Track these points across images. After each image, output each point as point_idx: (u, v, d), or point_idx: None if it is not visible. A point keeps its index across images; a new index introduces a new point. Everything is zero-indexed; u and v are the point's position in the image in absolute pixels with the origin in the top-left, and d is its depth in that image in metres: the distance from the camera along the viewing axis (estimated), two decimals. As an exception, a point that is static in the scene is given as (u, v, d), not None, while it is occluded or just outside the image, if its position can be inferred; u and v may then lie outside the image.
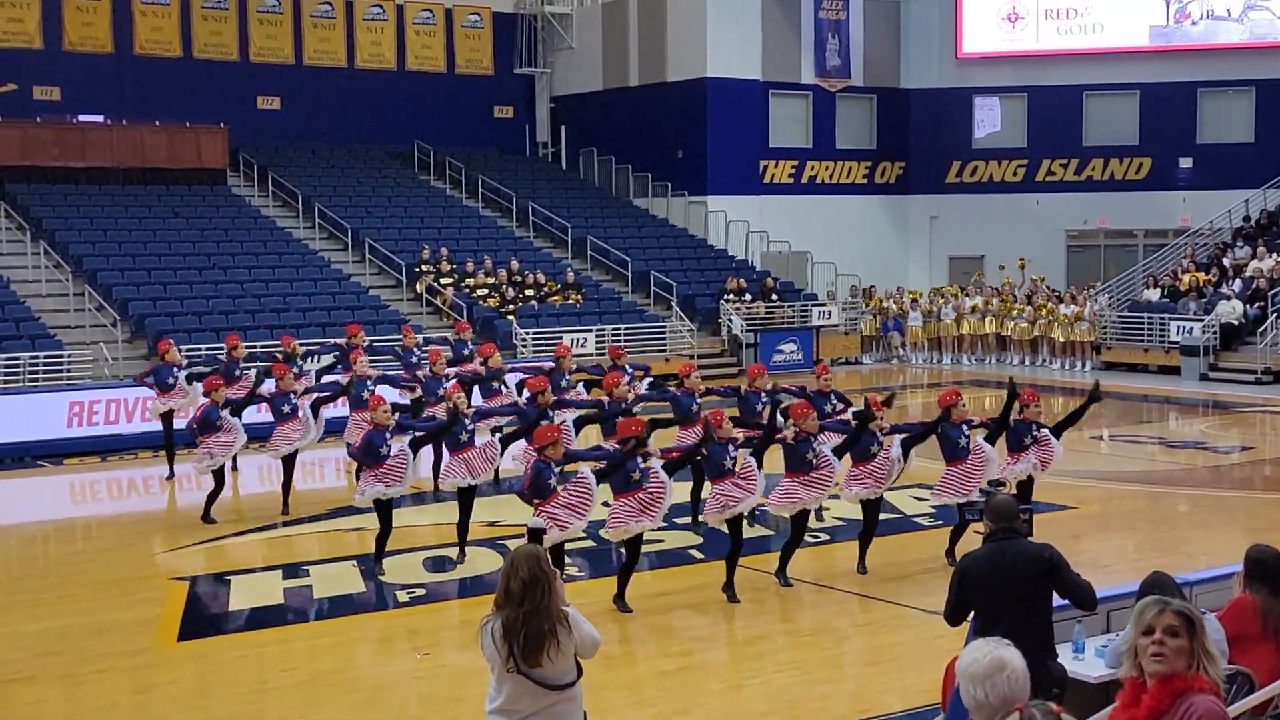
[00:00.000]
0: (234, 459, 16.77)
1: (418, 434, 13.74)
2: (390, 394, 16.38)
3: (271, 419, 16.19)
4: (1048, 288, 32.27)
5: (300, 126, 34.61)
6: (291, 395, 16.00)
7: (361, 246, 30.28)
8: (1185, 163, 34.88)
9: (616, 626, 10.96)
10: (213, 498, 15.36)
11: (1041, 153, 36.28)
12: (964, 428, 13.07)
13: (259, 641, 11.10)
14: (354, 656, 10.69)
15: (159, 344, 19.23)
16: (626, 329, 28.57)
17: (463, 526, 13.36)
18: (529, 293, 29.33)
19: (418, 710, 9.54)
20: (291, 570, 13.08)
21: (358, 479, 13.24)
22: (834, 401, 14.89)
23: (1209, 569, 8.95)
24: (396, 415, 13.88)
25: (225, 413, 15.48)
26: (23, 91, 30.81)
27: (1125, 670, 4.84)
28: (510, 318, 27.86)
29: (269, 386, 16.51)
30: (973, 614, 7.30)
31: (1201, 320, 28.88)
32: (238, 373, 18.05)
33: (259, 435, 16.75)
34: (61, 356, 22.70)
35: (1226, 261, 31.24)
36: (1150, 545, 13.18)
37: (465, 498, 13.43)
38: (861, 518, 13.10)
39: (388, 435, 13.09)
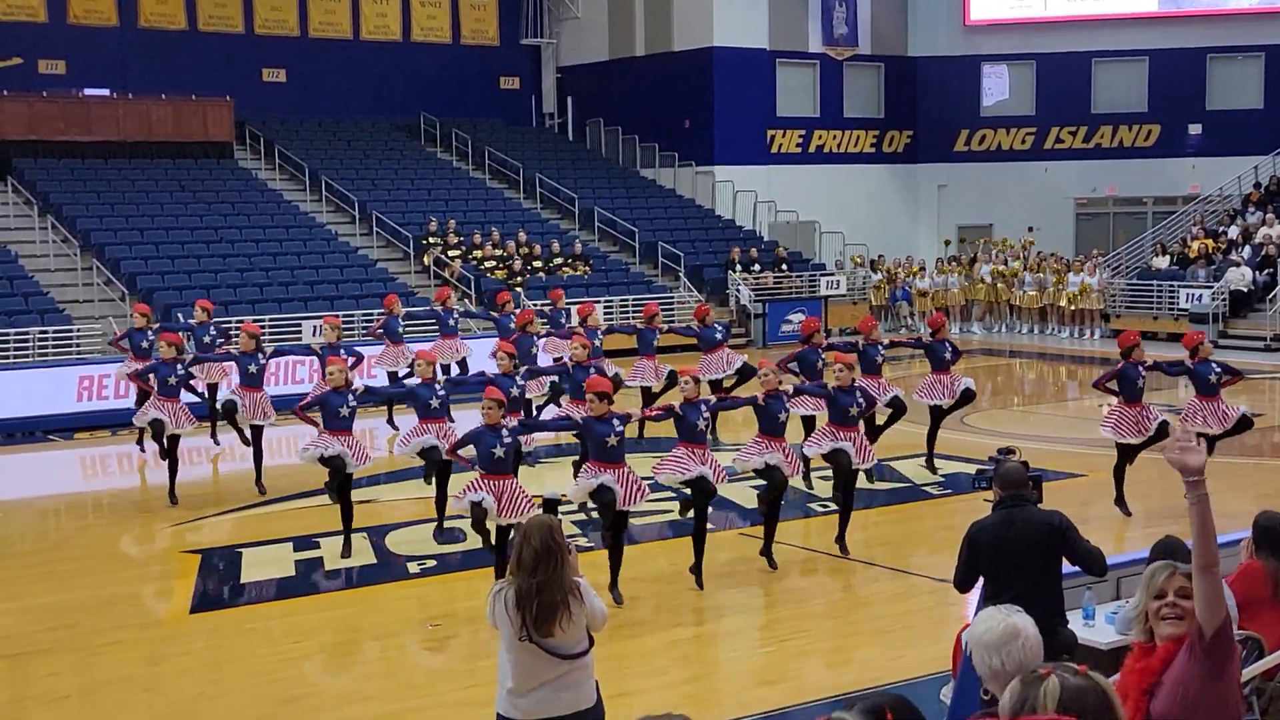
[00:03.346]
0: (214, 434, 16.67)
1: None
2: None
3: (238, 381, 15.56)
4: (1053, 256, 32.13)
5: (306, 99, 34.52)
6: (259, 357, 15.26)
7: (369, 219, 30.26)
8: (1194, 129, 34.70)
9: (628, 596, 10.98)
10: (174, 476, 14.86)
11: (1050, 120, 36.11)
12: (1140, 368, 13.40)
13: (271, 614, 11.15)
14: (366, 628, 10.73)
15: (135, 307, 18.89)
16: (634, 300, 28.55)
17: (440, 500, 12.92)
18: (536, 264, 29.31)
19: (430, 681, 9.58)
20: (303, 543, 13.10)
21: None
22: (949, 350, 15.36)
23: (1219, 535, 8.94)
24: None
25: (181, 370, 14.91)
26: (28, 65, 30.75)
27: (1136, 635, 4.86)
28: (519, 289, 27.84)
29: (235, 348, 15.96)
30: (982, 581, 7.31)
31: (1211, 287, 28.80)
32: (206, 339, 17.58)
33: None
34: (70, 331, 22.74)
35: (1235, 228, 31.14)
36: (1160, 512, 13.18)
37: (436, 470, 12.85)
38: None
39: (350, 398, 12.66)
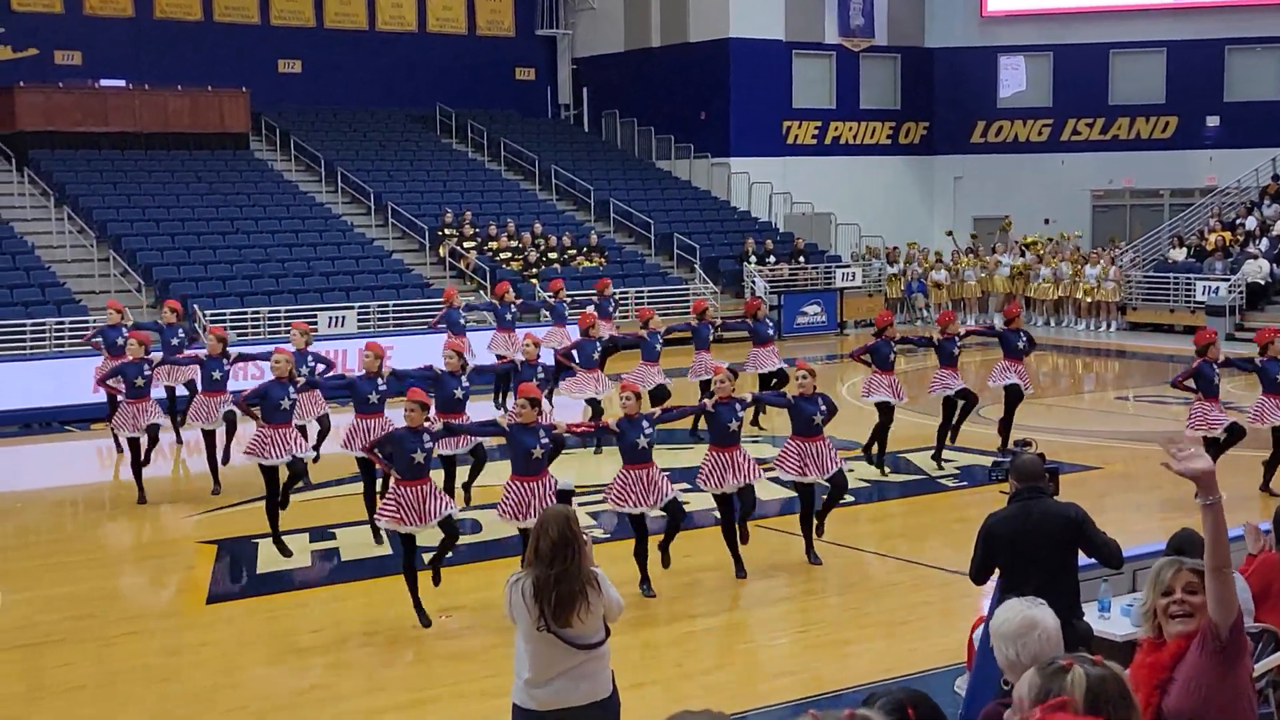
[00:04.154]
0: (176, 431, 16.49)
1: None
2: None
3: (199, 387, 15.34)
4: (1075, 247, 31.96)
5: (321, 90, 34.55)
6: (224, 362, 14.99)
7: (384, 210, 30.28)
8: (1212, 121, 34.53)
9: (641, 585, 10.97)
10: (138, 470, 14.62)
11: (1067, 112, 35.96)
12: (1215, 365, 13.79)
13: (287, 604, 11.17)
14: (382, 618, 10.73)
15: (109, 303, 18.73)
16: (650, 291, 28.53)
17: (368, 496, 12.56)
18: (552, 256, 29.30)
19: (446, 671, 9.59)
20: (319, 533, 13.13)
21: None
22: (1024, 338, 15.67)
23: (1235, 528, 8.90)
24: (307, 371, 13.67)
25: (149, 370, 14.66)
26: (44, 56, 30.83)
27: (1145, 632, 4.85)
28: (534, 281, 27.84)
29: (201, 350, 15.67)
30: (998, 573, 7.30)
31: (1228, 280, 28.68)
32: (175, 341, 17.21)
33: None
34: (87, 321, 22.78)
35: (1252, 220, 30.98)
36: (1175, 504, 13.13)
37: (365, 467, 12.48)
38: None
39: (291, 390, 12.41)
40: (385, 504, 10.26)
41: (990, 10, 36.41)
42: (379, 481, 12.58)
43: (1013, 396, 15.71)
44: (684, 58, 35.28)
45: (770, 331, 18.10)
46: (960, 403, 15.47)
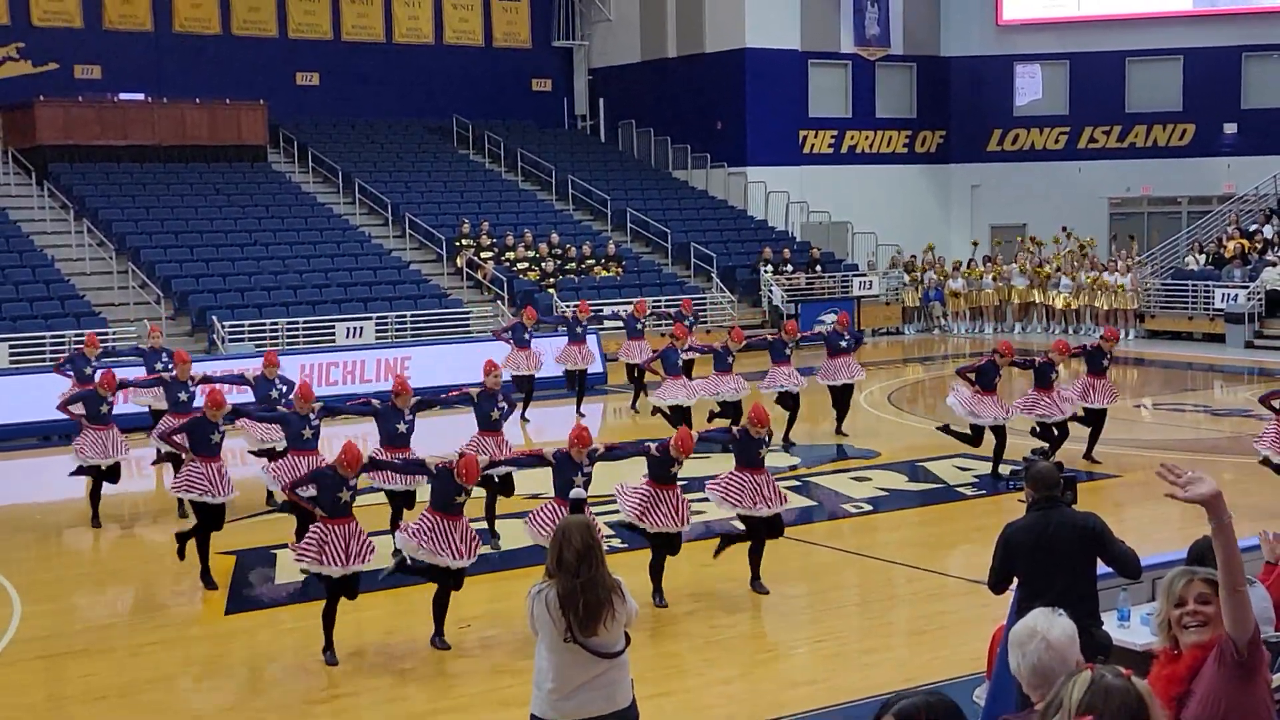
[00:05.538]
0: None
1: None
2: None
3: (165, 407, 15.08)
4: (1093, 255, 31.89)
5: (339, 102, 34.70)
6: (189, 383, 14.73)
7: (402, 221, 30.38)
8: (1230, 128, 34.41)
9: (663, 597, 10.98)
10: (95, 495, 14.54)
11: (1084, 120, 35.90)
12: None
13: (305, 614, 11.17)
14: (400, 629, 10.76)
15: (88, 336, 18.55)
16: (667, 301, 28.54)
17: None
18: (569, 266, 29.35)
19: (464, 681, 9.61)
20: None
21: (175, 470, 12.32)
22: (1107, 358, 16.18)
23: (1251, 538, 8.88)
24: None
25: (111, 398, 14.44)
26: (64, 71, 31.04)
27: (1160, 643, 4.84)
28: (551, 291, 27.90)
29: (168, 372, 15.49)
30: (1017, 582, 7.29)
31: (1246, 287, 28.59)
32: (159, 365, 16.88)
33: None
34: (106, 334, 22.88)
35: (1270, 228, 30.87)
36: (1195, 513, 13.00)
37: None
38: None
39: (220, 426, 12.15)
40: (307, 542, 9.90)
41: (1006, 19, 36.39)
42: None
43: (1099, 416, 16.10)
44: (700, 68, 35.33)
45: (844, 344, 18.27)
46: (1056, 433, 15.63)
